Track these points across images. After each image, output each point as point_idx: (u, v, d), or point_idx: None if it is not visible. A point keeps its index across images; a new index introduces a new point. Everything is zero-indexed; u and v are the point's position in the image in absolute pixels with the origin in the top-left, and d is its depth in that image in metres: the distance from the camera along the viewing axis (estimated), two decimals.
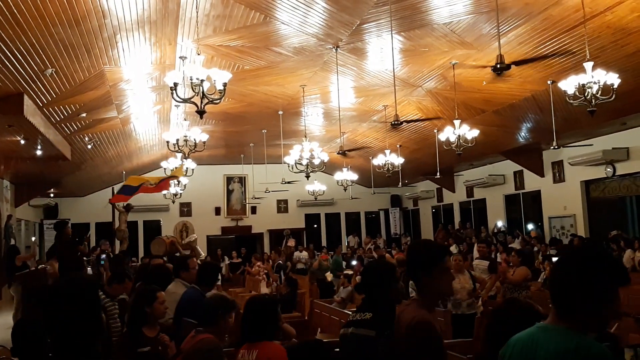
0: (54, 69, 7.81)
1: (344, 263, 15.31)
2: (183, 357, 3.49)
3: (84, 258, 9.61)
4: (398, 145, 14.79)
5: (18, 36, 6.46)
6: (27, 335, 3.14)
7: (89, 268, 11.21)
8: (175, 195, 16.14)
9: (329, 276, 12.93)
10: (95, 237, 18.90)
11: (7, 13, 5.87)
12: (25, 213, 17.50)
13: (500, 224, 17.57)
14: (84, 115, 10.63)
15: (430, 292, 2.74)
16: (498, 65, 7.20)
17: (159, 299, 4.17)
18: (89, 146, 12.87)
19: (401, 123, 9.64)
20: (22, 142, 10.73)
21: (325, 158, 11.15)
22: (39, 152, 11.64)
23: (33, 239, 18.12)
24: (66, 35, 6.93)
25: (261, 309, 3.51)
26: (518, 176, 16.83)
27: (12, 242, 14.54)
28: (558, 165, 15.12)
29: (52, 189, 17.42)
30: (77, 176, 15.91)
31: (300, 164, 10.96)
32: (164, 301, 4.25)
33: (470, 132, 10.07)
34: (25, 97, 8.42)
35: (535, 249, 13.71)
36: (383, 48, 9.09)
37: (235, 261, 18.97)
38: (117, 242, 14.32)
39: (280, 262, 13.40)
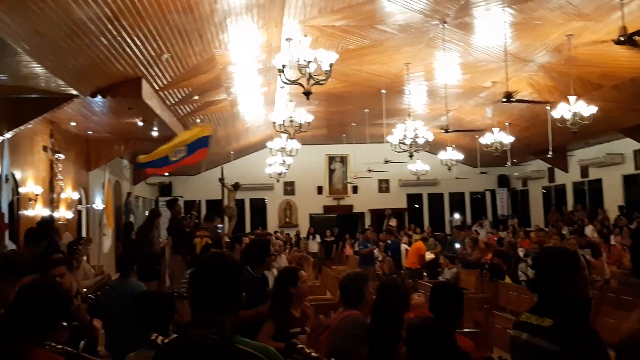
0: (169, 54, 8.21)
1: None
2: (331, 331, 3.61)
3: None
4: (507, 123, 14.21)
5: (137, 23, 6.84)
6: (153, 304, 3.37)
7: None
8: (280, 174, 16.63)
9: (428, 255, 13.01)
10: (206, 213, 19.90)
11: (127, 2, 6.23)
12: (142, 191, 18.74)
13: None
14: (196, 97, 11.12)
15: None
16: (621, 38, 6.73)
17: (302, 278, 4.08)
18: None
19: (512, 98, 9.23)
20: (140, 123, 11.43)
21: (430, 137, 10.95)
22: (154, 133, 12.36)
23: (147, 213, 19.27)
24: (181, 21, 7.25)
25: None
26: (638, 155, 15.67)
27: (132, 218, 15.65)
28: None
29: None
30: None
31: (404, 143, 10.82)
32: (305, 280, 4.18)
33: (588, 109, 9.47)
34: (143, 81, 8.93)
35: None
36: (492, 22, 8.72)
37: (328, 240, 19.24)
38: (227, 219, 14.93)
39: (389, 241, 13.39)
